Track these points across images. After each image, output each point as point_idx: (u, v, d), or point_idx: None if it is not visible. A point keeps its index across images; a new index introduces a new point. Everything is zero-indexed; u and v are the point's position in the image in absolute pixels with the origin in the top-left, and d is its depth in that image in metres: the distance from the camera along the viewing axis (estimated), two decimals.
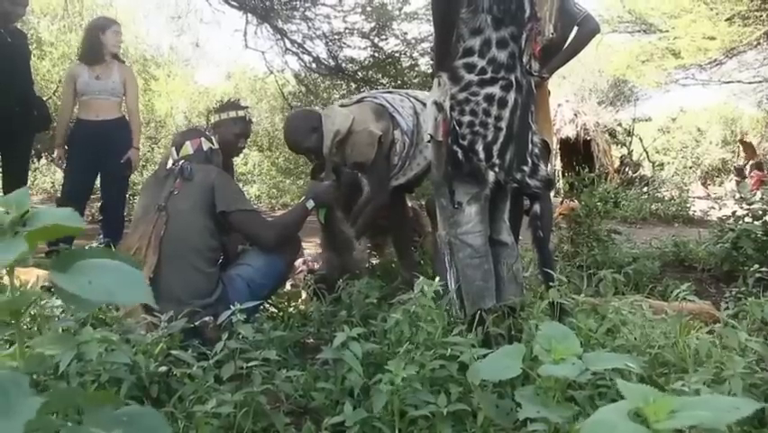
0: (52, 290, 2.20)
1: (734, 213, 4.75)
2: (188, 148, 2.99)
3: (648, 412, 0.88)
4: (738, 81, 16.65)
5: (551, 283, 2.37)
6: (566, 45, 3.64)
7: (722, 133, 20.23)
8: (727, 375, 1.72)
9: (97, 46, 4.66)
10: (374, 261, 4.55)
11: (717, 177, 19.61)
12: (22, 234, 0.87)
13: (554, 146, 4.31)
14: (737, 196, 4.89)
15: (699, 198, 12.13)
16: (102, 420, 0.95)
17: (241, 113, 3.36)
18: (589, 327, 2.13)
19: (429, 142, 2.72)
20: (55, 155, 4.75)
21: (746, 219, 4.61)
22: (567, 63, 3.77)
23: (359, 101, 3.88)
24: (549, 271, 2.55)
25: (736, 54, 14.18)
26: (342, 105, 3.83)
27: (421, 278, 2.10)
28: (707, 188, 17.80)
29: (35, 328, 2.17)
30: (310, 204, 3.14)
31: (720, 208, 5.58)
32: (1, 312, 0.95)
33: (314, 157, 3.67)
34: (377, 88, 10.01)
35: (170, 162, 2.97)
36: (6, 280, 0.95)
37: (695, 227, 6.98)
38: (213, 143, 3.10)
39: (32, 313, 2.24)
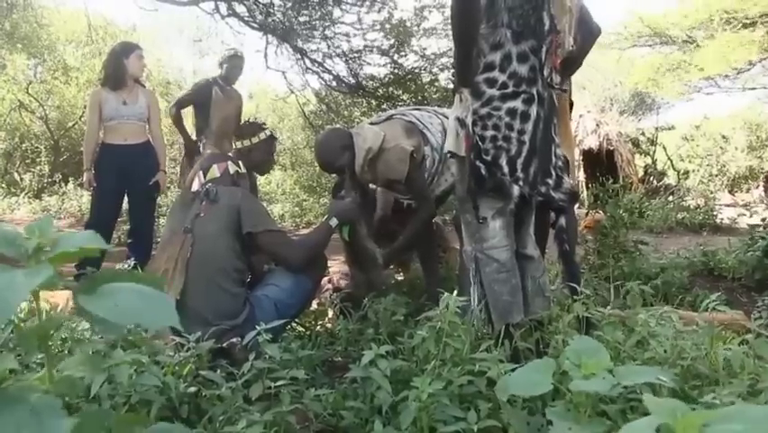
0: None
1: (764, 220, 4.69)
2: (215, 171, 3.02)
3: (677, 428, 0.87)
4: (763, 87, 16.47)
5: (575, 297, 2.36)
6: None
7: (747, 140, 19.95)
8: (763, 387, 1.69)
9: (121, 71, 4.73)
10: (399, 277, 4.55)
11: (744, 184, 19.32)
12: (46, 260, 0.88)
13: (577, 158, 4.25)
14: None
15: (727, 205, 11.97)
16: None
17: (268, 131, 3.40)
18: (617, 340, 2.10)
19: (451, 157, 2.72)
20: (84, 179, 4.82)
21: None
22: (580, 71, 3.74)
23: (388, 119, 3.88)
24: (573, 285, 2.54)
25: (760, 60, 14.03)
26: (371, 123, 3.85)
27: (446, 294, 2.09)
28: (734, 195, 17.55)
29: (66, 352, 2.20)
30: (334, 222, 3.15)
31: (751, 216, 5.49)
32: (30, 337, 0.97)
33: (347, 175, 3.67)
34: (398, 105, 10.05)
35: (195, 185, 3.00)
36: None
37: (723, 236, 6.89)
38: (240, 167, 3.12)
39: (63, 337, 2.26)
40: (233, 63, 5.80)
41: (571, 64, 3.40)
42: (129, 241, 4.77)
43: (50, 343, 1.00)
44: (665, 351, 2.08)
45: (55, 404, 0.81)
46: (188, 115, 6.05)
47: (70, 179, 13.19)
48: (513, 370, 1.77)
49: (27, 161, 15.58)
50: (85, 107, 10.23)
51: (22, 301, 0.79)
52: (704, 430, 0.84)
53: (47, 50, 15.81)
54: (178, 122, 5.71)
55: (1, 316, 0.76)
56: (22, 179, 14.73)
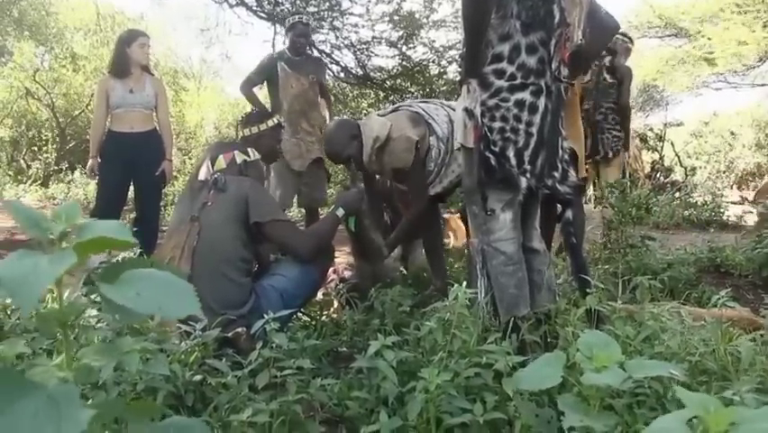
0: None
1: None
2: (221, 162, 3.01)
3: (709, 422, 0.86)
4: None
5: (588, 290, 2.34)
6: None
7: (755, 137, 19.87)
8: None
9: (124, 59, 4.71)
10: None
11: (752, 181, 19.23)
12: (72, 246, 0.87)
13: (582, 153, 4.22)
14: None
15: (734, 202, 11.91)
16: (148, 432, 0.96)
17: (276, 119, 3.40)
18: (627, 335, 2.09)
19: (458, 149, 2.71)
20: (88, 166, 4.83)
21: None
22: (590, 65, 3.70)
23: (394, 110, 3.92)
24: (586, 277, 2.52)
25: None
26: (378, 115, 3.87)
27: (455, 285, 2.08)
28: (741, 190, 17.48)
29: (74, 338, 2.19)
30: (340, 212, 3.14)
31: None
32: (50, 323, 0.96)
33: (354, 166, 3.69)
34: (405, 97, 10.03)
35: (202, 174, 2.99)
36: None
37: (730, 232, 6.86)
38: (248, 156, 3.10)
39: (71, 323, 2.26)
40: (295, 31, 5.34)
41: (580, 59, 3.37)
42: (134, 229, 4.73)
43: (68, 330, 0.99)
44: (675, 346, 2.07)
45: (73, 393, 0.80)
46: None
47: (77, 166, 13.21)
48: (520, 363, 1.77)
49: (34, 149, 15.62)
50: (92, 96, 10.23)
51: (45, 288, 0.78)
52: (735, 427, 0.84)
53: (55, 38, 15.83)
54: (251, 99, 5.43)
55: (26, 303, 0.75)
56: (29, 166, 14.77)
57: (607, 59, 5.76)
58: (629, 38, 6.14)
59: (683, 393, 0.96)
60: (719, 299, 2.42)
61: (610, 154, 5.69)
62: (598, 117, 5.78)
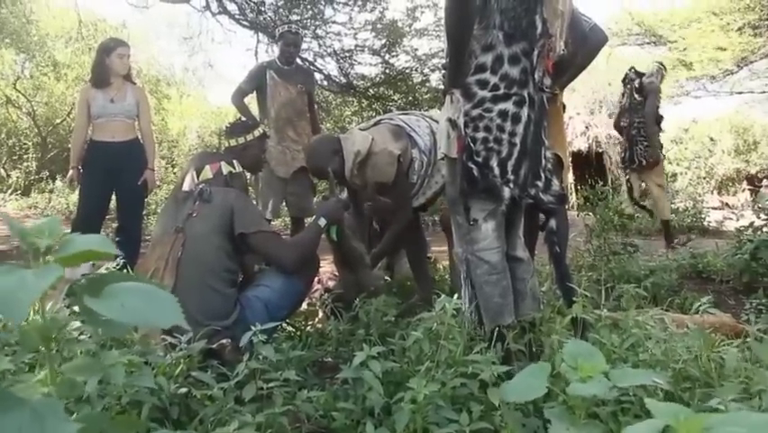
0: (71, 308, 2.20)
1: (751, 223, 4.72)
2: (208, 172, 3.00)
3: (680, 430, 0.87)
4: (750, 91, 16.60)
5: (573, 298, 2.35)
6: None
7: (734, 143, 20.12)
8: (756, 390, 1.70)
9: (103, 69, 4.70)
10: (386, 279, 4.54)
11: (731, 186, 19.47)
12: (57, 260, 0.87)
13: (568, 161, 4.31)
14: (756, 206, 4.86)
15: (714, 208, 12.02)
16: None
17: (261, 129, 3.40)
18: (612, 343, 2.11)
19: (442, 159, 2.72)
20: (68, 177, 4.81)
21: (765, 229, 4.57)
22: (577, 76, 3.75)
23: (375, 124, 3.94)
24: (571, 286, 2.53)
25: (747, 64, 14.14)
26: (359, 129, 3.87)
27: (442, 296, 2.09)
28: (721, 195, 17.67)
29: (56, 351, 2.17)
30: (322, 222, 3.14)
31: (738, 219, 5.53)
32: (33, 338, 0.95)
33: (336, 179, 3.70)
34: (388, 105, 10.05)
35: (187, 185, 2.98)
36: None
37: (711, 238, 6.93)
38: (234, 167, 3.10)
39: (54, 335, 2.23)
40: (285, 41, 5.33)
41: (562, 69, 3.39)
42: (117, 239, 4.74)
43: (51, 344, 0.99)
44: (658, 353, 2.08)
45: (57, 407, 0.80)
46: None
47: (58, 176, 13.09)
48: (505, 372, 1.78)
49: (14, 158, 15.46)
50: (74, 104, 10.17)
51: (33, 302, 0.79)
52: None
53: (36, 46, 15.70)
54: (242, 110, 5.35)
55: (16, 317, 0.75)
56: (9, 175, 14.60)
57: (636, 82, 6.79)
58: (664, 66, 7.82)
59: (652, 404, 0.97)
60: (701, 305, 2.44)
61: (644, 163, 7.27)
62: (633, 132, 7.30)
